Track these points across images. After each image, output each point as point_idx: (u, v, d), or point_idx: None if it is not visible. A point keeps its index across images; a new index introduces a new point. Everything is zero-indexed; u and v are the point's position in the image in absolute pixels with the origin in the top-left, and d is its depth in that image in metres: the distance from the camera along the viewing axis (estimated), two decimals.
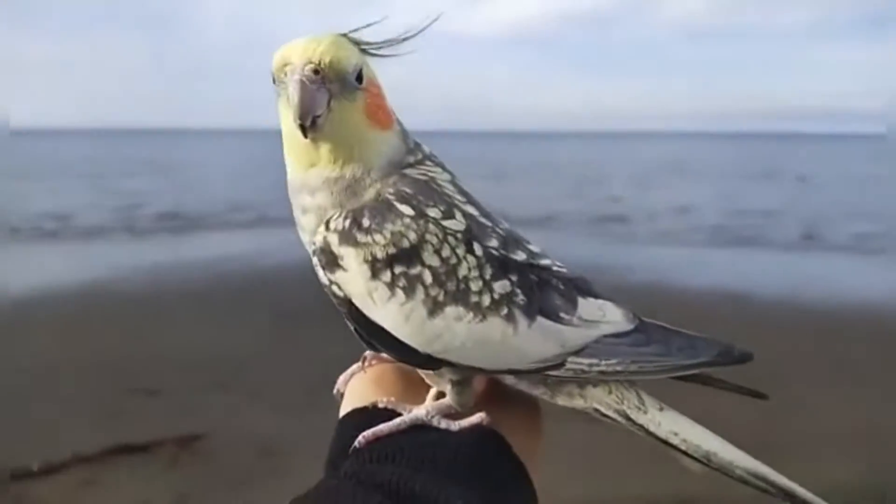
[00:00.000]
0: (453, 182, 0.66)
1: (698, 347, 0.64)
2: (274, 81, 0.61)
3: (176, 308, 6.24)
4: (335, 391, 0.72)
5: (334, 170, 0.61)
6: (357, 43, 0.63)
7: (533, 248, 0.65)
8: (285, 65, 0.59)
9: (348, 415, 0.65)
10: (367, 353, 0.72)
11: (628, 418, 0.64)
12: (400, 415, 0.63)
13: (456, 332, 0.59)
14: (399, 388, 0.68)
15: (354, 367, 0.73)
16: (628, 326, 0.65)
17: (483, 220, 0.64)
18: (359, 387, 0.69)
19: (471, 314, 0.59)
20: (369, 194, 0.61)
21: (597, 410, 0.64)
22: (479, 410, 0.63)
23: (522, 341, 0.61)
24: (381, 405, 0.64)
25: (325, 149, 0.60)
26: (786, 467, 0.62)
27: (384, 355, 0.69)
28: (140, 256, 9.02)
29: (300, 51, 0.58)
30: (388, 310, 0.60)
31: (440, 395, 0.65)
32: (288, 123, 0.61)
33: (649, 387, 0.65)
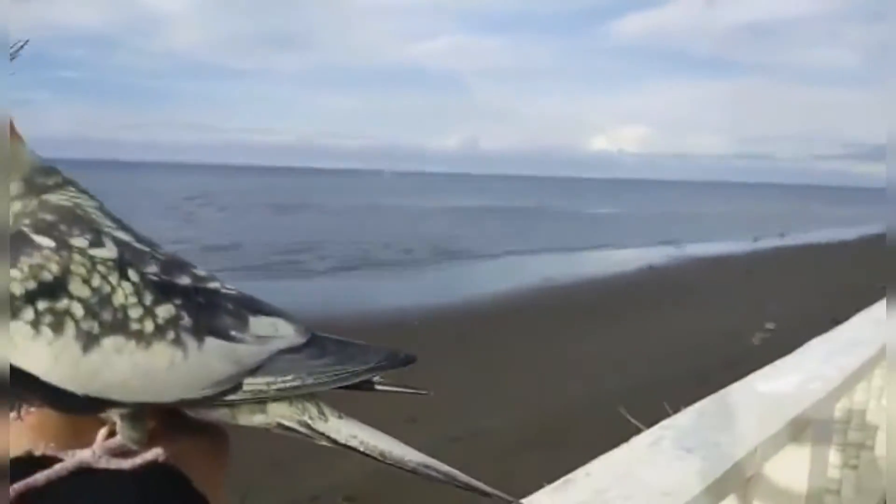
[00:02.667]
0: (101, 208, 0.59)
1: (368, 354, 0.62)
2: None
3: None
4: None
5: None
6: None
7: (198, 272, 0.59)
8: None
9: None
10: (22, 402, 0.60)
11: (311, 428, 0.60)
12: (60, 461, 0.53)
13: (117, 365, 0.53)
14: (65, 432, 0.57)
15: (11, 415, 0.60)
16: (301, 340, 0.60)
17: (139, 245, 0.57)
18: (14, 436, 0.57)
19: (133, 342, 0.53)
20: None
21: (280, 425, 0.60)
22: (155, 444, 0.55)
23: (193, 365, 0.55)
24: (37, 453, 0.54)
25: None
26: None
27: None
28: None
29: None
30: (35, 351, 0.51)
31: (112, 433, 0.56)
32: None
33: (324, 398, 0.62)
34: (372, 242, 16.80)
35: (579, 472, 1.24)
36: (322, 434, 0.59)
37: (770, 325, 10.42)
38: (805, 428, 1.72)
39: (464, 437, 5.38)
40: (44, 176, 0.56)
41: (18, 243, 0.52)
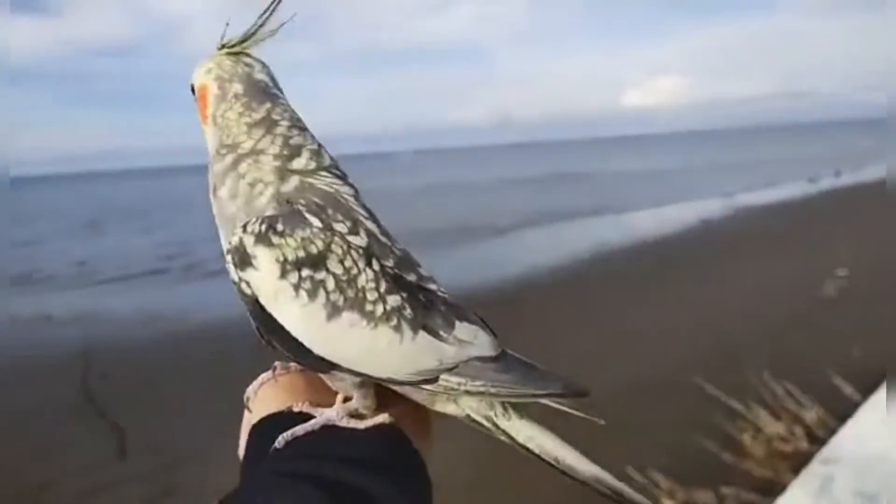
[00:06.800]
0: (356, 197, 0.70)
1: (549, 381, 0.69)
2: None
3: None
4: (245, 398, 0.74)
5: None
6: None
7: (422, 271, 0.69)
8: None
9: (264, 419, 0.68)
10: (277, 363, 0.75)
11: (495, 424, 0.70)
12: (311, 417, 0.66)
13: (349, 337, 0.63)
14: (309, 394, 0.71)
15: (264, 375, 0.75)
16: (493, 353, 0.69)
17: (382, 238, 0.68)
18: (271, 393, 0.72)
19: (364, 321, 0.63)
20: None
21: (468, 416, 0.70)
22: (381, 411, 0.68)
23: (405, 352, 0.65)
24: (295, 409, 0.68)
25: None
26: None
27: (292, 365, 0.73)
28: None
29: None
30: (291, 310, 0.62)
31: (347, 398, 0.69)
32: None
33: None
34: (401, 223, 16.43)
35: None
36: (504, 431, 0.70)
37: (842, 273, 9.61)
38: None
39: None
40: (314, 157, 0.69)
41: (295, 218, 0.64)
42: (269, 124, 0.70)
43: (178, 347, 6.82)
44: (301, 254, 0.62)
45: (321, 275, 0.63)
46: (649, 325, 6.78)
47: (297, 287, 0.62)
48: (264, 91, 0.72)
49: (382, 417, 0.67)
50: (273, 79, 0.74)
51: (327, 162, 0.70)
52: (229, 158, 0.69)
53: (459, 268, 10.96)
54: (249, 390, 0.74)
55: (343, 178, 0.71)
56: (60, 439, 4.84)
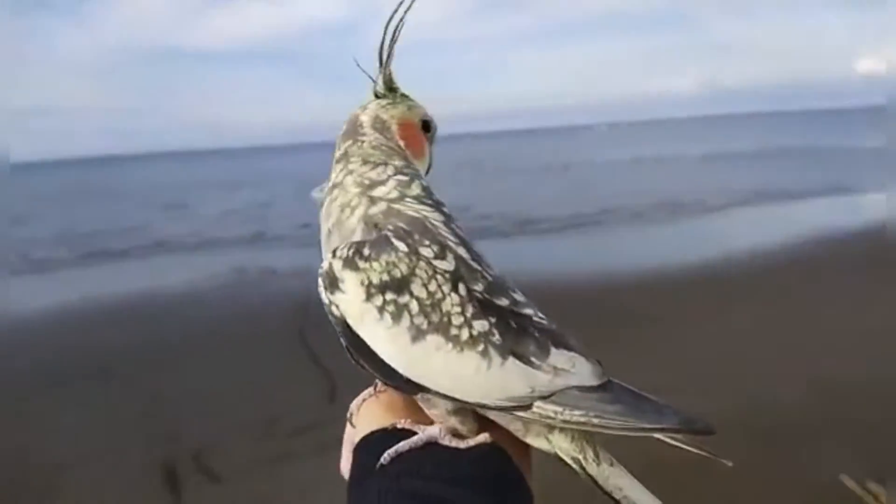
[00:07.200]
0: (447, 224, 0.71)
1: (663, 414, 0.66)
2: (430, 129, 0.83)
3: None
4: (348, 413, 0.77)
5: None
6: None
7: (517, 297, 0.70)
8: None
9: (369, 435, 0.69)
10: (377, 381, 0.75)
11: (582, 468, 0.68)
12: (414, 433, 0.67)
13: (434, 360, 0.64)
14: (409, 411, 0.72)
15: (366, 392, 0.78)
16: (595, 382, 0.68)
17: (473, 263, 0.69)
18: (375, 410, 0.74)
19: (449, 345, 0.64)
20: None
21: (557, 455, 0.69)
22: (482, 431, 0.68)
23: (494, 377, 0.65)
24: (399, 426, 0.69)
25: None
26: None
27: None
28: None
29: None
30: (377, 332, 0.64)
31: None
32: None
33: (605, 438, 0.69)
34: (605, 199, 15.97)
35: None
36: (591, 476, 0.68)
37: None
38: None
39: (723, 424, 4.59)
40: (399, 186, 0.73)
41: (381, 243, 0.66)
42: (344, 161, 0.77)
43: None
44: (385, 277, 0.65)
45: (405, 298, 0.65)
46: (881, 321, 6.02)
47: (381, 310, 0.65)
48: (355, 130, 0.79)
49: (484, 437, 0.68)
50: (377, 118, 0.79)
51: (415, 192, 0.73)
52: (331, 184, 0.77)
53: (663, 246, 10.52)
54: (353, 406, 0.77)
55: (435, 206, 0.73)
56: (282, 380, 5.46)
